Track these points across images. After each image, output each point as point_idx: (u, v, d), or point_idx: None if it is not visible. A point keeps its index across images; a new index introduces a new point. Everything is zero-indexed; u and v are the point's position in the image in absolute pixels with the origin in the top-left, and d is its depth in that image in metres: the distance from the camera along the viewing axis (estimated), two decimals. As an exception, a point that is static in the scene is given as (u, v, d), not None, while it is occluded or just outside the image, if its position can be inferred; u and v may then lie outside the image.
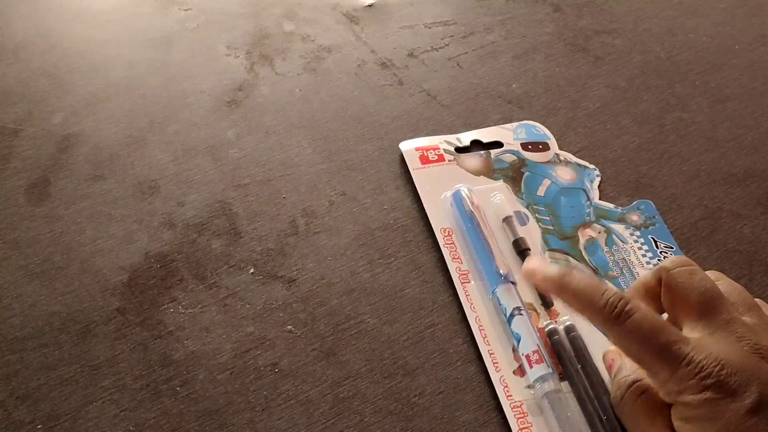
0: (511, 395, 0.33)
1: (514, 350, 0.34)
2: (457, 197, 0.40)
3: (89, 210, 0.40)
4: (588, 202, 0.41)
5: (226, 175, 0.43)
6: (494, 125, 0.46)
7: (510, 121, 0.46)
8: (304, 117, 0.46)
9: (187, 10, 0.54)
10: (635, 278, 0.38)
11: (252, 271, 0.38)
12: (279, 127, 0.46)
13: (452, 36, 0.53)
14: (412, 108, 0.47)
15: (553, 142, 0.45)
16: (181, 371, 0.34)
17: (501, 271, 0.36)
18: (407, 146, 0.44)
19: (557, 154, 0.44)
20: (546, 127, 0.46)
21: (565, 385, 0.33)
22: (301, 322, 0.36)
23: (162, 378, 0.34)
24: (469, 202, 0.39)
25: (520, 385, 0.33)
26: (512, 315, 0.35)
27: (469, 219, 0.39)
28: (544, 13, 0.55)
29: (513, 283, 0.36)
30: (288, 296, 0.37)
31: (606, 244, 0.39)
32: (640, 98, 0.49)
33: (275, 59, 0.50)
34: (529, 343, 0.34)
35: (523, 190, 0.42)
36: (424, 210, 0.41)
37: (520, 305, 0.35)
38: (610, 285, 0.31)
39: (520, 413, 0.32)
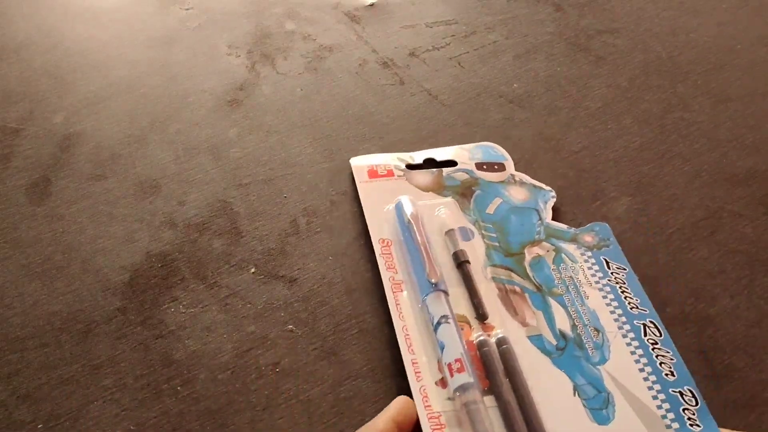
0: (429, 405, 0.31)
1: (439, 361, 0.33)
2: (398, 207, 0.39)
3: (90, 209, 0.40)
4: (539, 222, 0.40)
5: (227, 174, 0.43)
6: (493, 125, 0.46)
7: (512, 120, 0.46)
8: (306, 116, 0.46)
9: (188, 9, 0.54)
10: (581, 297, 0.36)
11: (253, 270, 0.38)
12: (280, 127, 0.46)
13: (453, 35, 0.53)
14: (414, 107, 0.47)
15: (510, 164, 0.43)
16: (182, 371, 0.34)
17: (432, 279, 0.35)
18: (357, 162, 0.43)
19: (513, 175, 0.43)
20: (547, 126, 0.46)
21: (490, 400, 0.31)
22: (302, 322, 0.36)
23: (163, 377, 0.34)
24: (407, 212, 0.38)
25: (441, 396, 0.32)
26: (439, 323, 0.33)
27: (406, 228, 0.38)
28: (545, 12, 0.55)
29: (445, 292, 0.35)
30: (289, 296, 0.37)
31: (553, 262, 0.38)
32: (642, 98, 0.49)
33: (276, 59, 0.50)
34: (452, 352, 0.32)
35: (472, 207, 0.41)
36: None
37: (448, 314, 0.34)
38: None
39: (437, 424, 0.31)
